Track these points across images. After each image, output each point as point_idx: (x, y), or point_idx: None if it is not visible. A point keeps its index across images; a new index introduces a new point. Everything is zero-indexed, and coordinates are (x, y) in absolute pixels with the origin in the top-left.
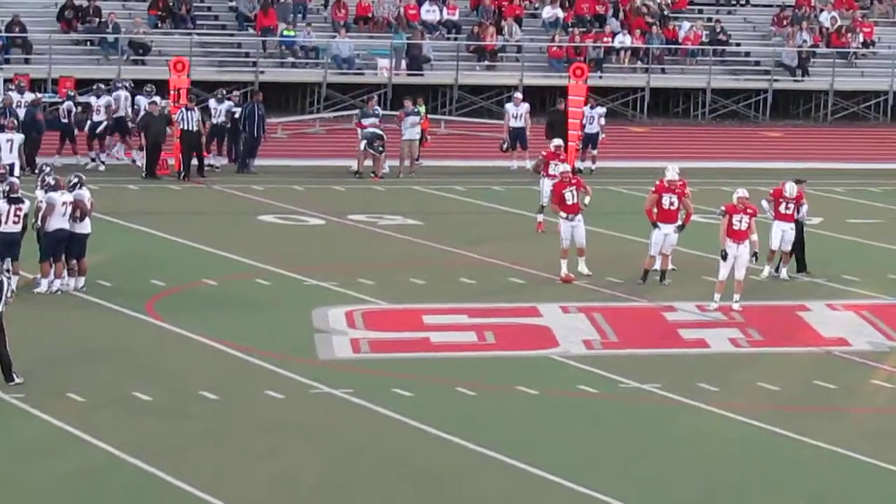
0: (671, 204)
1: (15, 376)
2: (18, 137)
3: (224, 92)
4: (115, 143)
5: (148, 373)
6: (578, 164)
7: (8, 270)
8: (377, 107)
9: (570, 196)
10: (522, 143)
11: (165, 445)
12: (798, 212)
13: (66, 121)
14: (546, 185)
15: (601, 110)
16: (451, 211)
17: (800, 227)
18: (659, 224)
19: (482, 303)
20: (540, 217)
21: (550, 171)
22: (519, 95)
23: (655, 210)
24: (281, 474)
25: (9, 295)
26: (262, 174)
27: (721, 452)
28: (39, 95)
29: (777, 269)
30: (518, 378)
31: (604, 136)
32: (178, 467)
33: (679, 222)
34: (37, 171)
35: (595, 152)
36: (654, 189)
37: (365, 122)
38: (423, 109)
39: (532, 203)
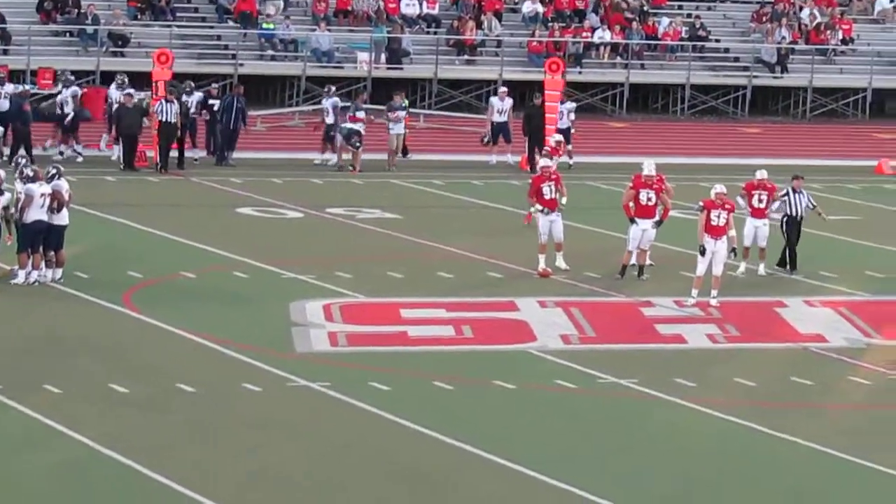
0: (649, 199)
1: None
2: None
3: (192, 85)
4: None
5: (126, 365)
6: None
7: None
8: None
9: (548, 190)
10: (506, 137)
11: (144, 438)
12: (770, 206)
13: (61, 112)
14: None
15: (571, 105)
16: (430, 205)
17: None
18: (636, 219)
19: (460, 297)
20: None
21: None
22: (504, 90)
23: (633, 205)
24: (259, 468)
25: None
26: (241, 167)
27: (698, 448)
28: (27, 87)
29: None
30: (495, 372)
31: (574, 130)
32: (157, 460)
33: (657, 217)
34: (13, 162)
35: (570, 147)
36: (631, 185)
37: (358, 115)
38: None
39: (511, 197)
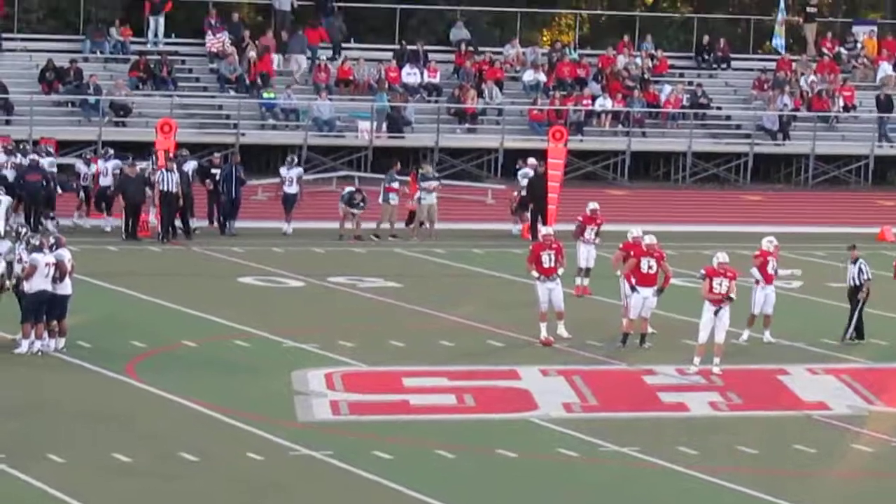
0: (650, 268)
1: None
2: (6, 200)
3: (187, 153)
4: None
5: (128, 434)
6: (512, 229)
7: None
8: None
9: (547, 259)
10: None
11: None
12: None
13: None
14: (582, 250)
15: (527, 171)
16: (432, 274)
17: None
18: (638, 287)
19: (462, 365)
20: (578, 280)
21: (585, 236)
22: (533, 161)
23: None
24: None
25: None
26: (243, 236)
27: None
28: (34, 157)
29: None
30: (498, 441)
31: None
32: None
33: (658, 286)
34: (14, 232)
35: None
36: (621, 249)
37: (393, 185)
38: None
39: (512, 266)
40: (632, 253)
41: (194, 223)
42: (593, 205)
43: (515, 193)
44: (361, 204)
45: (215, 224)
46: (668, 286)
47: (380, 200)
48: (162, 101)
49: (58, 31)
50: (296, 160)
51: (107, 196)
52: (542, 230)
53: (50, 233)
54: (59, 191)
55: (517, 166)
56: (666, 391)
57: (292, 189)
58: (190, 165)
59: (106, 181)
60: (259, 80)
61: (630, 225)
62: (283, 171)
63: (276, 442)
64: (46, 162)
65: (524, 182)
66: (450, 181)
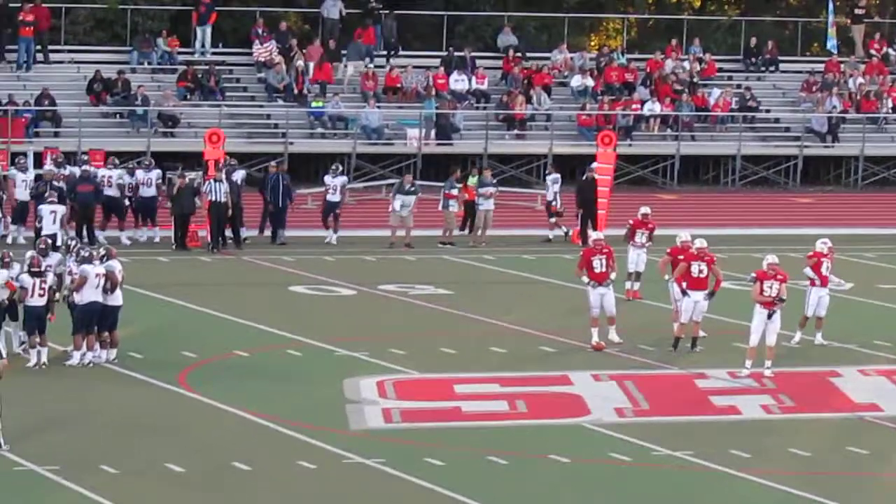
0: (700, 272)
1: (2, 443)
2: (61, 209)
3: (235, 162)
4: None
5: (181, 444)
6: (548, 234)
7: None
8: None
9: (598, 264)
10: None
11: None
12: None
13: (116, 194)
14: (631, 254)
15: (556, 176)
16: (482, 280)
17: None
18: (689, 292)
19: (513, 371)
20: (628, 284)
21: (636, 239)
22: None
23: (685, 282)
24: None
25: (1, 359)
26: (293, 245)
27: None
28: (87, 168)
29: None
30: (550, 447)
31: (557, 203)
32: None
33: (709, 289)
34: (63, 245)
35: (554, 220)
36: (680, 257)
37: (400, 197)
38: (474, 180)
39: (563, 271)
40: (680, 257)
41: (244, 233)
42: (645, 209)
43: (548, 200)
44: (413, 189)
45: (266, 234)
46: (718, 290)
47: (440, 208)
48: (210, 111)
49: (105, 42)
50: (340, 168)
51: (151, 207)
52: (593, 235)
53: (101, 244)
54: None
55: (547, 172)
56: (718, 395)
57: (335, 197)
58: (238, 175)
59: (149, 192)
60: (319, 89)
61: (679, 229)
62: (327, 179)
63: (329, 450)
64: (115, 174)
65: (555, 188)
66: (499, 187)
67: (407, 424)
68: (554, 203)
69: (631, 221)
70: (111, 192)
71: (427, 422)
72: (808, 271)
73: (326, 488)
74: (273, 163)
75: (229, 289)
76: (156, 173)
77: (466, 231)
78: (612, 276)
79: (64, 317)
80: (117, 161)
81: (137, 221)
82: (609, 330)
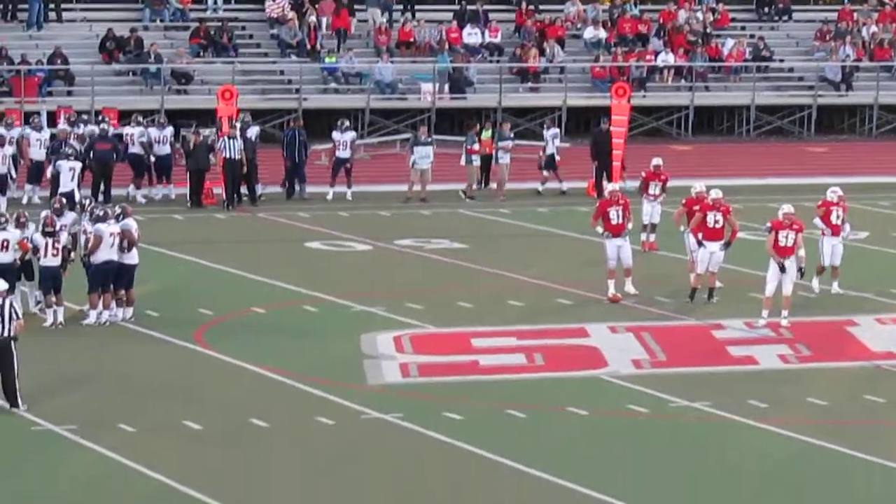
0: (716, 222)
1: (20, 402)
2: (79, 165)
3: (250, 119)
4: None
5: (198, 402)
6: (538, 187)
7: (11, 292)
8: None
9: (615, 215)
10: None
11: (217, 474)
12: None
13: (140, 151)
14: (645, 206)
15: (555, 131)
16: (497, 233)
17: None
18: (705, 242)
19: (530, 325)
20: (644, 236)
21: (649, 191)
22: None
23: (700, 232)
24: (335, 501)
25: (16, 318)
26: (309, 201)
27: (773, 469)
28: (104, 126)
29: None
30: (568, 399)
31: (559, 157)
32: (231, 496)
33: (725, 240)
34: (79, 204)
35: (556, 173)
36: (695, 208)
37: (417, 150)
38: (487, 133)
39: (578, 224)
40: (696, 208)
41: (260, 189)
42: (657, 160)
43: (541, 153)
44: (429, 140)
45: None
46: (734, 240)
47: (462, 163)
48: (223, 67)
49: (117, 0)
50: (347, 123)
51: (167, 165)
52: (609, 186)
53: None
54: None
55: (546, 126)
56: (735, 345)
57: (345, 153)
58: (253, 131)
59: (164, 149)
60: (336, 39)
61: (694, 180)
62: (335, 135)
63: (347, 406)
64: (137, 132)
65: (555, 143)
66: (515, 140)
67: (424, 379)
68: (558, 158)
69: (643, 174)
70: (135, 149)
71: (444, 376)
72: (818, 221)
73: (344, 444)
74: (291, 118)
75: (245, 246)
76: (169, 131)
77: (483, 185)
78: (629, 226)
79: (80, 276)
80: (140, 118)
81: (152, 179)
82: (626, 282)
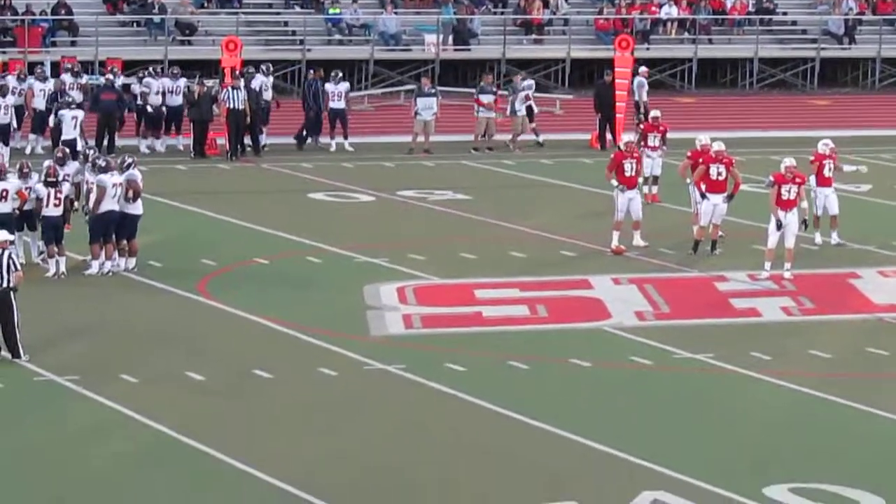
0: (719, 174)
1: (22, 353)
2: (81, 114)
3: (254, 70)
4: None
5: (201, 352)
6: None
7: (12, 242)
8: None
9: (629, 167)
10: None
11: (220, 424)
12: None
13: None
14: (646, 158)
15: (530, 82)
16: (501, 185)
17: None
18: (707, 195)
19: (533, 276)
20: (646, 188)
21: (649, 143)
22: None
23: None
24: (337, 452)
25: (15, 270)
26: (311, 151)
27: (775, 420)
28: (110, 77)
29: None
30: (571, 350)
31: (537, 109)
32: (234, 447)
33: (728, 192)
34: (82, 153)
35: (534, 125)
36: (700, 160)
37: (420, 101)
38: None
39: (582, 175)
40: (700, 160)
41: (263, 140)
42: (655, 112)
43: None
44: (432, 91)
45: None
46: (737, 192)
47: (475, 114)
48: (227, 18)
49: None
50: (340, 75)
51: (179, 115)
52: (625, 137)
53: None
54: (127, 111)
55: (522, 77)
56: (738, 297)
57: (340, 104)
58: (258, 81)
59: (177, 100)
60: None
61: (698, 132)
62: (329, 86)
63: (350, 357)
64: (135, 83)
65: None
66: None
67: (428, 330)
68: (536, 110)
69: (642, 126)
70: (177, 101)
71: (448, 327)
72: (811, 178)
73: (347, 395)
74: (152, 68)
75: (248, 196)
76: (183, 82)
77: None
78: (640, 180)
79: (83, 226)
80: (157, 69)
81: (160, 130)
82: (634, 235)
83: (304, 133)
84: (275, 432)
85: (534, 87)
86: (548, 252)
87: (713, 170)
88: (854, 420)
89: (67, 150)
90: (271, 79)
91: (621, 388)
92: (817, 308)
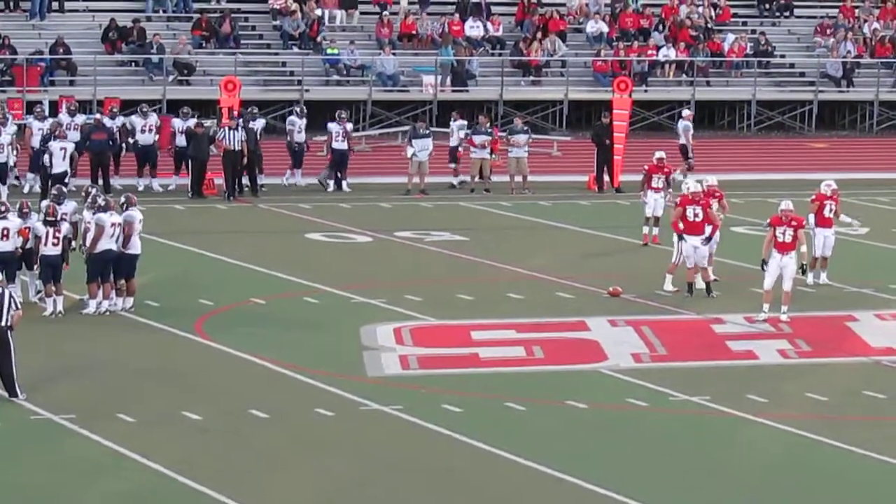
0: (696, 216)
1: (19, 392)
2: (71, 146)
3: (256, 111)
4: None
5: (198, 392)
6: (453, 181)
7: (9, 280)
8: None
9: (691, 214)
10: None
11: (216, 465)
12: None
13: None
14: (650, 199)
15: (462, 123)
16: (498, 226)
17: None
18: (685, 236)
19: (530, 317)
20: (646, 229)
21: (653, 185)
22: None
23: (682, 224)
24: (333, 493)
25: (14, 309)
26: (309, 192)
27: (771, 463)
28: (98, 116)
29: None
30: (567, 392)
31: (462, 150)
32: (230, 486)
33: (706, 234)
34: (83, 192)
35: (455, 166)
36: (678, 202)
37: (416, 143)
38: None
39: (579, 218)
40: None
41: (261, 180)
42: (660, 153)
43: (452, 146)
44: (427, 132)
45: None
46: (714, 235)
47: (471, 156)
48: (225, 58)
49: None
50: (344, 115)
51: (151, 154)
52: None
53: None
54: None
55: (453, 118)
56: (735, 339)
57: (343, 145)
58: (258, 124)
59: (147, 138)
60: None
61: (697, 175)
62: (331, 126)
63: (346, 397)
64: (118, 121)
65: (460, 134)
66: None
67: (424, 371)
68: (459, 150)
69: (646, 167)
70: (144, 140)
71: (444, 368)
72: (811, 217)
73: (344, 435)
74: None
75: (246, 236)
76: (153, 119)
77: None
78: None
79: (81, 265)
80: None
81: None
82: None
83: (336, 174)
84: (271, 472)
85: (465, 126)
86: (544, 294)
87: (689, 211)
88: (850, 463)
89: (63, 189)
90: (304, 121)
91: (618, 430)
92: (814, 351)
